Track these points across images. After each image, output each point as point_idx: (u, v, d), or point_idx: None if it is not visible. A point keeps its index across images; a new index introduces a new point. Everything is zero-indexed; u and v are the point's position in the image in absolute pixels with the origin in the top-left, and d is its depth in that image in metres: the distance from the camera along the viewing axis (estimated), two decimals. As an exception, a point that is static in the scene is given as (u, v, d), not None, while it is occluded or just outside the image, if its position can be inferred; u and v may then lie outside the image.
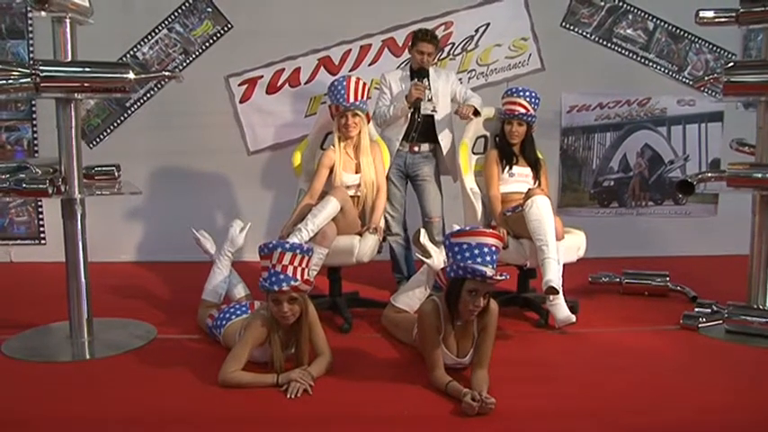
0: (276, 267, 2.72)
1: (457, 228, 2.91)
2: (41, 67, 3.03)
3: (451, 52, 5.00)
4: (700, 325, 3.48)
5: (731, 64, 3.49)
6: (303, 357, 2.83)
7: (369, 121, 3.79)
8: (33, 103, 4.90)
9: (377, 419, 2.52)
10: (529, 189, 3.60)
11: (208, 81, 4.86)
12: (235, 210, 4.93)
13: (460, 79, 4.64)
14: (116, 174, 3.52)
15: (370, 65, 4.95)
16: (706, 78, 3.73)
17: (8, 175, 3.09)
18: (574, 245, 3.62)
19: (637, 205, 5.28)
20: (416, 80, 3.93)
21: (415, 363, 2.98)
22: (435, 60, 4.28)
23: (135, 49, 4.89)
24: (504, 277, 2.69)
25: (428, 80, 3.98)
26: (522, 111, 3.72)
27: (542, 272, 3.38)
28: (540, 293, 3.46)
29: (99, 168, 3.49)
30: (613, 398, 2.69)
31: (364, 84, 3.65)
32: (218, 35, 4.92)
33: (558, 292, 3.34)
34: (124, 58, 4.84)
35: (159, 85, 4.91)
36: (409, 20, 4.85)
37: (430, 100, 3.97)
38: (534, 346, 3.30)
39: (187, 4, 4.88)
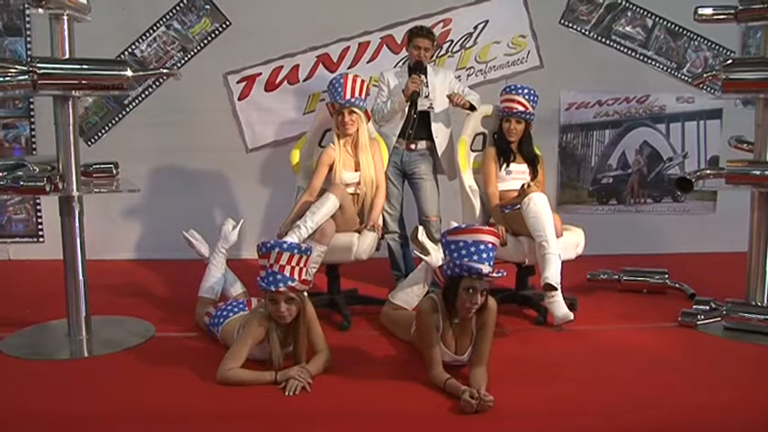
0: (273, 267, 2.72)
1: (454, 225, 2.91)
2: (39, 65, 3.02)
3: (450, 49, 4.99)
4: (698, 322, 3.48)
5: (730, 61, 3.47)
6: (301, 355, 2.83)
7: (368, 120, 3.77)
8: (31, 100, 4.88)
9: (375, 417, 2.52)
10: (522, 185, 3.60)
11: (206, 78, 4.84)
12: (233, 207, 4.92)
13: (458, 77, 4.64)
14: (114, 171, 3.52)
15: (368, 62, 4.93)
16: (705, 75, 3.71)
17: (6, 173, 3.07)
18: (572, 242, 3.62)
19: (635, 202, 5.27)
20: (414, 74, 3.92)
21: (414, 360, 2.98)
22: (433, 57, 4.26)
23: (133, 47, 4.88)
24: (500, 274, 2.69)
25: (426, 77, 3.97)
26: (521, 109, 3.71)
27: (541, 268, 3.38)
28: (539, 290, 3.47)
29: (97, 166, 3.49)
30: (611, 395, 2.69)
31: (362, 81, 3.64)
32: (217, 32, 4.91)
33: (556, 289, 3.34)
34: (122, 56, 4.83)
35: (157, 83, 4.89)
36: (408, 17, 4.83)
37: (427, 96, 3.97)
38: (532, 343, 3.30)
39: (185, 2, 4.87)
